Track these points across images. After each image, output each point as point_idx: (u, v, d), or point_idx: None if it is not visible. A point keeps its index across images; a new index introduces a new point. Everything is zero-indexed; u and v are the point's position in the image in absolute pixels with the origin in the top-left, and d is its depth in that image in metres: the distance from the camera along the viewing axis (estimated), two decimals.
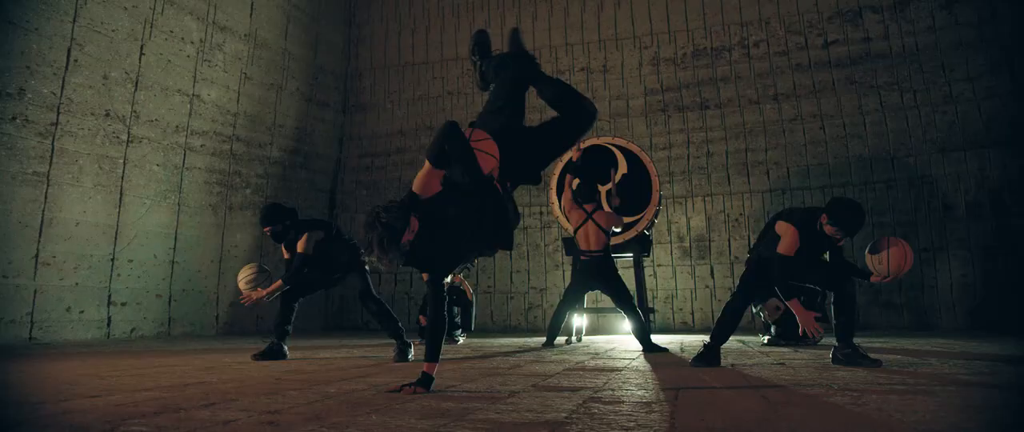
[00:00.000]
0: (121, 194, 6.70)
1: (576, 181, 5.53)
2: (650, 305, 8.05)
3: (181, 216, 7.38)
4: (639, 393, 2.21)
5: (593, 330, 8.62)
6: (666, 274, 9.03)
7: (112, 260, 6.59)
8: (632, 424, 1.59)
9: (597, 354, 4.40)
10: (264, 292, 3.80)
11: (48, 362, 3.77)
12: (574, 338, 6.15)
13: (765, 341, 5.54)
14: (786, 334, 5.38)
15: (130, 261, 6.77)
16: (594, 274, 5.41)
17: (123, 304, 6.70)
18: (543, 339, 6.38)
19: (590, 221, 5.40)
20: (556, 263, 9.58)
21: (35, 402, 2.06)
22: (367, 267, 4.14)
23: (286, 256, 4.06)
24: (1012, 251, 7.72)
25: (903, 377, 2.63)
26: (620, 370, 3.16)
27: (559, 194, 6.30)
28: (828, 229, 3.18)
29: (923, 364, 3.23)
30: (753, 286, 3.44)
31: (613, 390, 2.30)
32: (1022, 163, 7.84)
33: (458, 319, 6.56)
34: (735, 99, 9.27)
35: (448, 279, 6.65)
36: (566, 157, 6.39)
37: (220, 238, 7.92)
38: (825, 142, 8.75)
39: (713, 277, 8.89)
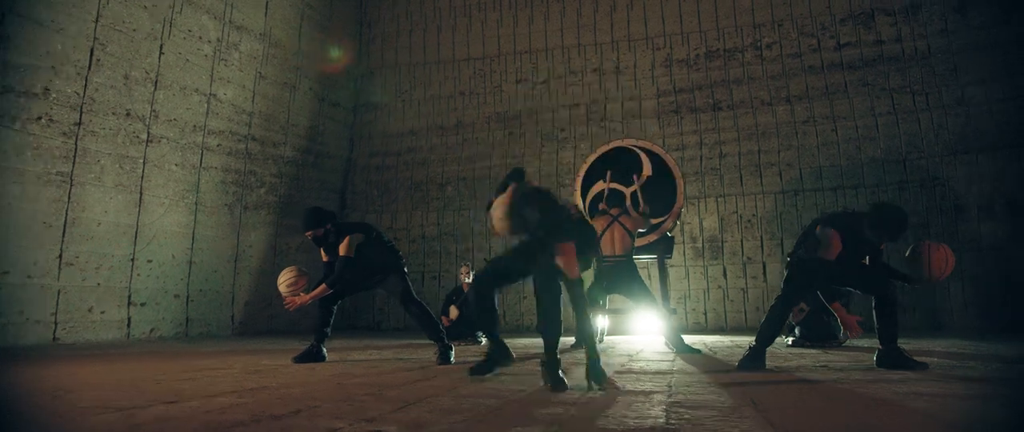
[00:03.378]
0: (141, 194, 6.68)
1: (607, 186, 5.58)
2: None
3: (198, 216, 7.37)
4: (712, 397, 2.24)
5: (609, 330, 8.64)
6: (679, 274, 9.07)
7: (132, 260, 6.58)
8: (738, 429, 1.61)
9: (631, 356, 4.43)
10: (308, 297, 3.81)
11: (90, 364, 3.76)
12: (600, 338, 6.18)
13: (789, 343, 5.58)
14: (810, 335, 5.42)
15: (149, 261, 6.76)
16: (616, 278, 5.43)
17: (142, 304, 6.68)
18: (562, 339, 6.41)
19: (616, 224, 5.42)
20: None
21: (119, 408, 2.07)
22: (406, 270, 4.16)
23: (325, 259, 4.06)
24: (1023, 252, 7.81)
25: (961, 383, 2.66)
26: (670, 373, 3.19)
27: (584, 195, 6.32)
28: (871, 234, 3.22)
29: (956, 367, 3.28)
30: (796, 289, 3.47)
31: (684, 394, 2.33)
32: None
33: None
34: (748, 101, 9.33)
35: (468, 280, 6.68)
36: (592, 159, 6.43)
37: (235, 238, 7.91)
38: (837, 144, 8.82)
39: (726, 278, 8.94)
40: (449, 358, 3.82)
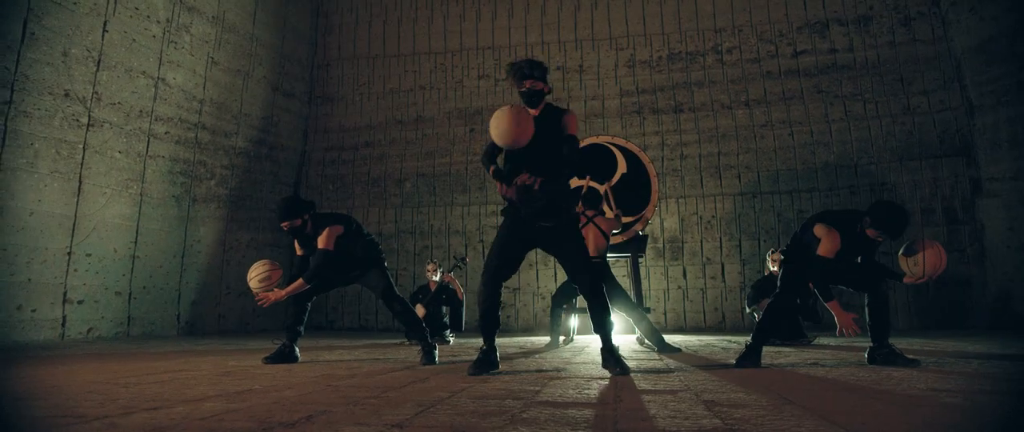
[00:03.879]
0: (80, 182, 6.16)
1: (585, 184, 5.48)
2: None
3: (143, 207, 6.86)
4: (740, 395, 2.16)
5: (578, 330, 8.60)
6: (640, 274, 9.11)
7: (69, 254, 6.05)
8: (805, 428, 1.52)
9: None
10: (284, 292, 3.53)
11: (31, 367, 3.38)
12: (571, 337, 6.11)
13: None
14: (780, 333, 5.50)
15: (88, 255, 6.24)
16: None
17: (79, 302, 6.16)
18: (528, 339, 6.32)
19: (591, 225, 5.34)
20: (529, 262, 9.51)
21: (94, 416, 1.80)
22: (387, 264, 3.94)
23: (300, 252, 3.79)
24: (960, 256, 8.23)
25: (966, 379, 2.69)
26: (670, 371, 3.11)
27: None
28: (871, 232, 3.25)
29: (944, 363, 3.34)
30: (793, 287, 3.47)
31: (711, 393, 2.24)
32: (971, 174, 8.36)
33: (446, 319, 6.38)
34: (708, 103, 9.48)
35: (436, 278, 6.48)
36: None
37: (183, 232, 7.42)
38: (793, 148, 9.07)
39: (685, 278, 9.05)
40: (434, 358, 3.63)
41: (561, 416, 1.77)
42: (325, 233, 3.57)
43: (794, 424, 1.60)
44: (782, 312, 3.41)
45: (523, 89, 3.06)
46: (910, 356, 3.32)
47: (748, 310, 5.98)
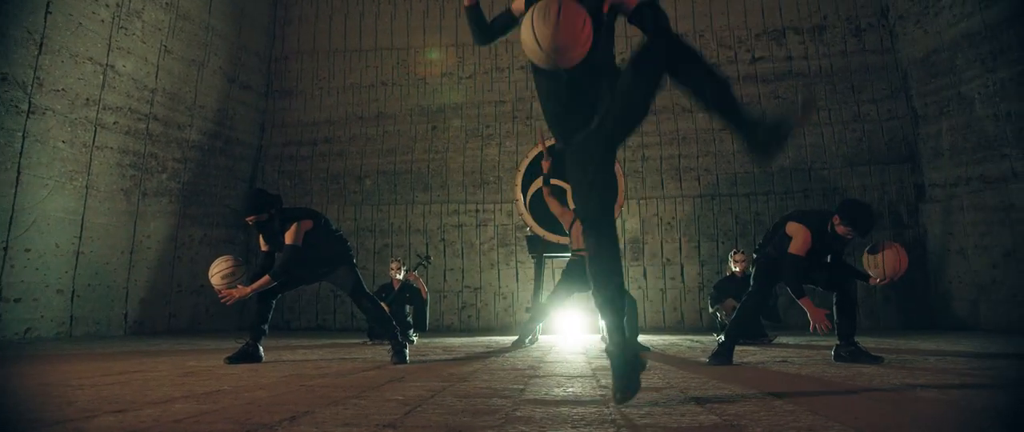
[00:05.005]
0: (18, 172, 5.79)
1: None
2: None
3: (89, 201, 6.50)
4: (725, 392, 2.17)
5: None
6: None
7: (4, 249, 5.68)
8: (801, 425, 1.53)
9: (586, 354, 4.35)
10: (248, 289, 3.38)
11: None
12: (536, 337, 6.08)
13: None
14: (743, 332, 5.60)
15: (27, 250, 5.87)
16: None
17: (16, 300, 5.79)
18: (492, 339, 6.27)
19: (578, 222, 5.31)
20: (491, 262, 9.46)
21: (55, 420, 1.67)
22: (355, 261, 3.82)
23: (264, 248, 3.64)
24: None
25: (930, 373, 2.78)
26: (647, 370, 3.12)
27: (525, 189, 6.19)
28: (841, 230, 3.33)
29: (905, 360, 3.46)
30: (765, 285, 3.53)
31: (696, 390, 2.24)
32: (916, 180, 8.74)
33: (410, 319, 6.27)
34: (670, 106, 9.62)
35: (400, 277, 6.36)
36: (533, 153, 6.32)
37: (132, 227, 7.07)
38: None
39: (646, 278, 9.16)
40: (405, 357, 3.54)
41: (556, 415, 1.73)
42: (293, 228, 3.44)
43: (791, 420, 1.61)
44: (755, 310, 3.47)
45: None
46: (874, 354, 3.42)
47: (711, 310, 6.08)
